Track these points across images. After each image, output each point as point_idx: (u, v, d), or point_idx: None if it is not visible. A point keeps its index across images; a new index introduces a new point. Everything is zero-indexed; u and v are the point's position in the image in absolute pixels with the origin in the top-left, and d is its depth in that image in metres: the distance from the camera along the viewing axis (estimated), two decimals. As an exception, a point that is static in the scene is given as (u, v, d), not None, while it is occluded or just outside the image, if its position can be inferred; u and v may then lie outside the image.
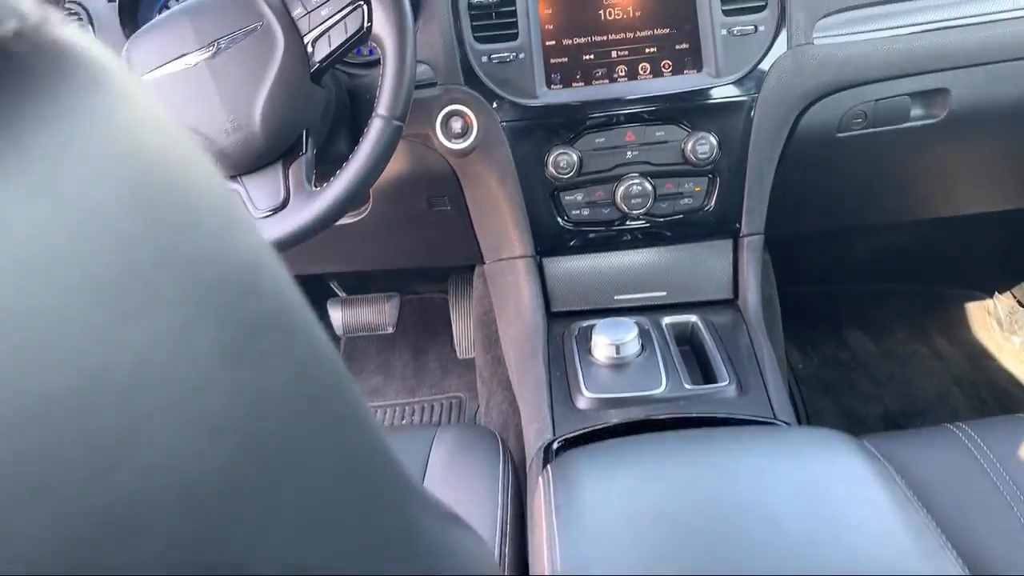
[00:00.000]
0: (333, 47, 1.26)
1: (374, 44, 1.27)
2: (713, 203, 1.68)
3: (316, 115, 1.33)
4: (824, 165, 1.76)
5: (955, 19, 1.52)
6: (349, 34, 1.25)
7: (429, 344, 2.75)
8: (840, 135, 1.67)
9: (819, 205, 1.96)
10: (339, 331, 2.71)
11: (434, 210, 1.83)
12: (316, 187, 1.23)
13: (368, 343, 2.75)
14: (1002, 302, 2.67)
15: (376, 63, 1.59)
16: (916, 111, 1.63)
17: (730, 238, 1.71)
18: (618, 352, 1.39)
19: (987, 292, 2.67)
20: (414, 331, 2.80)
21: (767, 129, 1.67)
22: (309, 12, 1.30)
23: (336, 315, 2.71)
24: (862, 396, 2.45)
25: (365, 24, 1.23)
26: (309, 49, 1.26)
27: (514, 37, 1.76)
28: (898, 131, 1.63)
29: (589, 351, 1.44)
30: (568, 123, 1.63)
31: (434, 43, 1.62)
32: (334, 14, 1.27)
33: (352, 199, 1.20)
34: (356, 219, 1.81)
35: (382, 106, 1.21)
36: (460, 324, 2.69)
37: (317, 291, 2.74)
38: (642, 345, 1.42)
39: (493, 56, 1.76)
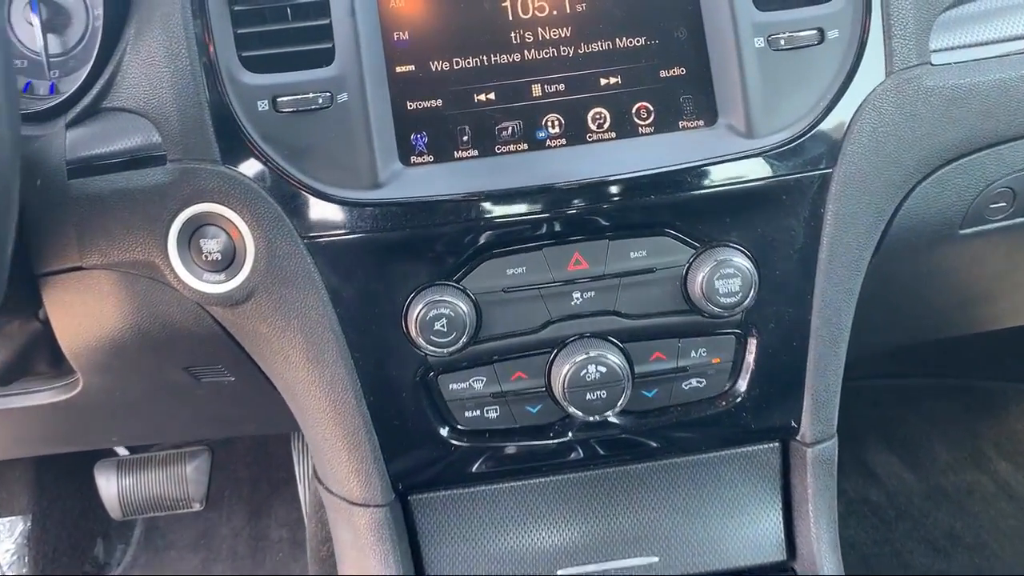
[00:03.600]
0: None
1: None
2: (744, 386, 0.96)
3: None
4: (924, 273, 1.16)
5: None
6: None
7: (268, 504, 2.17)
8: (966, 231, 1.04)
9: (899, 321, 1.34)
10: (115, 512, 1.92)
11: (205, 382, 1.16)
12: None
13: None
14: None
15: None
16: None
17: (775, 442, 1.01)
18: None
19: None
20: (242, 493, 2.20)
21: (850, 234, 0.94)
22: None
23: (108, 487, 1.90)
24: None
25: None
26: None
27: (327, 58, 0.89)
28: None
29: None
30: (450, 239, 0.90)
31: (154, 71, 0.89)
32: None
33: None
34: (64, 396, 1.16)
35: None
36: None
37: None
38: None
39: (283, 99, 0.88)
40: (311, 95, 0.86)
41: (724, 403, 0.95)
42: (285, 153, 0.87)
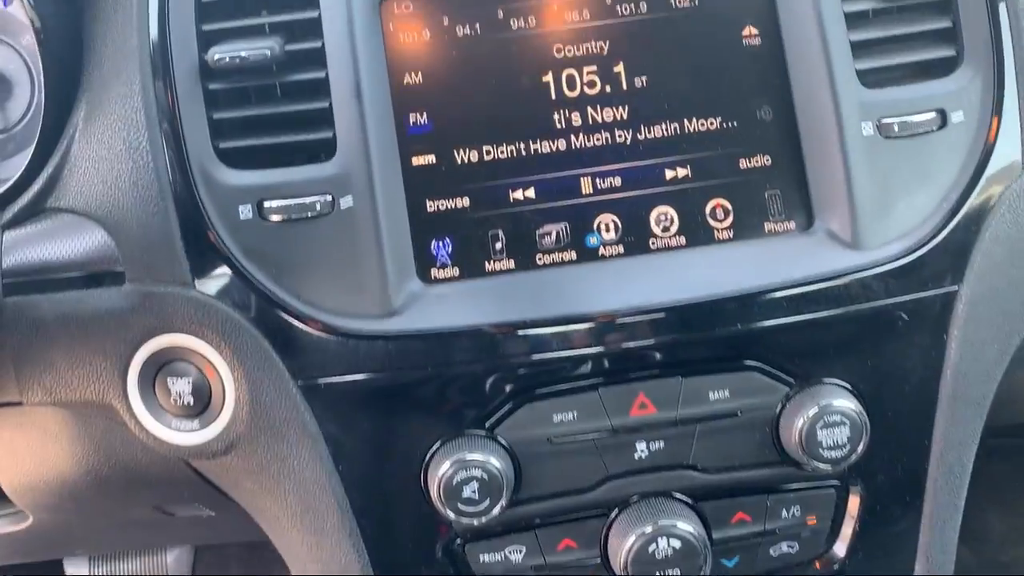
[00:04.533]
0: None
1: None
2: (844, 550, 0.77)
3: None
4: None
5: None
6: None
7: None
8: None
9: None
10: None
11: (179, 517, 0.98)
12: None
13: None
14: None
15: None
16: None
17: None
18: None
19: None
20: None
21: (979, 364, 0.75)
22: None
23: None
24: None
25: None
26: None
27: (327, 151, 0.71)
28: None
29: None
30: (482, 379, 0.71)
31: (109, 166, 0.71)
32: None
33: None
34: (10, 529, 1.00)
35: None
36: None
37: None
38: None
39: (271, 204, 0.69)
40: (307, 199, 0.68)
41: (819, 570, 0.77)
42: (273, 272, 0.68)
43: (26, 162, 0.75)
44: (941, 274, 0.70)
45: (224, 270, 0.68)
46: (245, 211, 0.68)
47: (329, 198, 0.68)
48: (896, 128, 0.69)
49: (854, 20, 0.71)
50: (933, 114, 0.70)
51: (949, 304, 0.71)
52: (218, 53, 0.68)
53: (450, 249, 0.72)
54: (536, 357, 0.69)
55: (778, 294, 0.68)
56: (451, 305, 0.69)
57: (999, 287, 0.72)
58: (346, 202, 0.68)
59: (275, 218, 0.68)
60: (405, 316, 0.68)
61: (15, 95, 0.81)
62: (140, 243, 0.69)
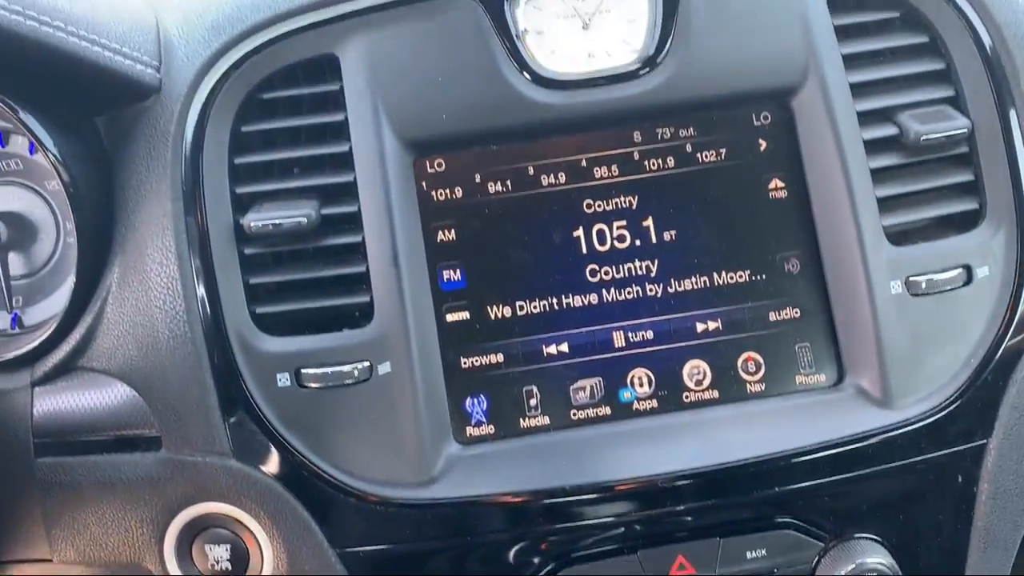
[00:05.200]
0: None
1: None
2: None
3: None
4: None
5: None
6: None
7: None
8: None
9: None
10: None
11: None
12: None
13: None
14: None
15: None
16: None
17: None
18: None
19: None
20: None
21: (1009, 513, 0.75)
22: None
23: None
24: None
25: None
26: None
27: (364, 316, 0.71)
28: None
29: None
30: (521, 545, 0.70)
31: (144, 332, 0.70)
32: None
33: None
34: None
35: None
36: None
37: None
38: None
39: (308, 372, 0.70)
40: (346, 367, 0.68)
41: None
42: (311, 441, 0.68)
43: (54, 313, 0.74)
44: (971, 429, 0.71)
45: (263, 440, 0.68)
46: (283, 379, 0.68)
47: (367, 364, 0.68)
48: (924, 285, 0.70)
49: (879, 175, 0.72)
50: (959, 270, 0.71)
51: (979, 457, 0.72)
52: (254, 221, 0.69)
53: (485, 407, 0.72)
54: (575, 524, 0.69)
55: (812, 456, 0.69)
56: (488, 470, 0.69)
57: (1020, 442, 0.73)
58: (384, 368, 0.68)
59: (313, 385, 0.68)
60: (443, 483, 0.68)
61: (40, 240, 0.81)
62: (177, 411, 0.68)
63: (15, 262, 0.79)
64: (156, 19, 0.76)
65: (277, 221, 0.68)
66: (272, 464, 0.68)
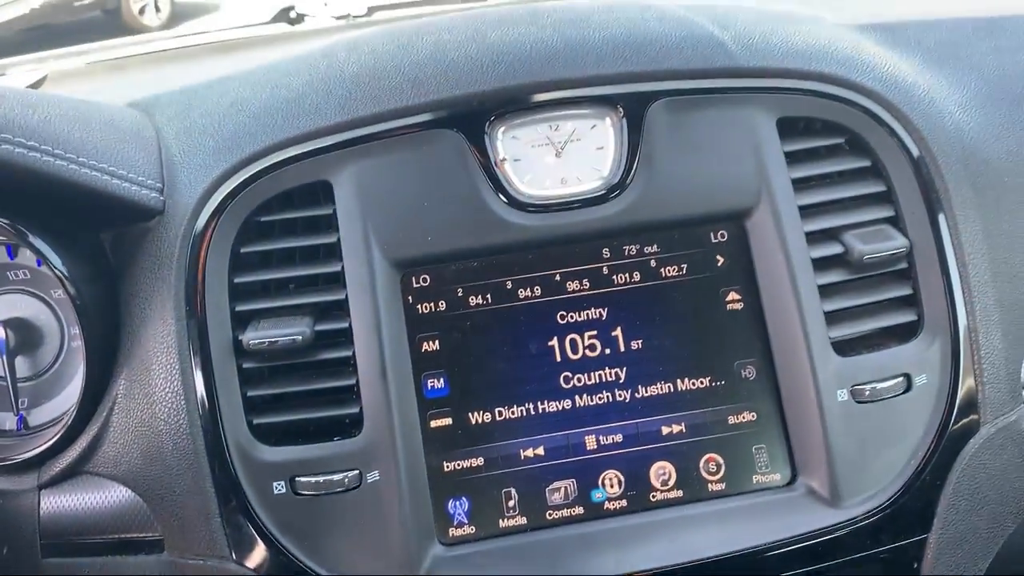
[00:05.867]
0: None
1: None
2: None
3: None
4: None
5: None
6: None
7: None
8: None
9: None
10: None
11: None
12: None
13: None
14: None
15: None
16: None
17: None
18: None
19: None
20: None
21: None
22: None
23: None
24: None
25: None
26: None
27: (353, 426, 0.76)
28: None
29: None
30: None
31: (149, 442, 0.75)
32: None
33: None
34: None
35: None
36: None
37: None
38: None
39: (303, 480, 0.75)
40: (336, 476, 0.73)
41: None
42: (306, 545, 0.73)
43: (58, 415, 0.79)
44: (911, 525, 0.78)
45: (260, 544, 0.73)
46: (279, 487, 0.73)
47: (356, 472, 0.73)
48: (867, 393, 0.77)
49: (826, 290, 0.79)
50: (900, 379, 0.78)
51: (920, 551, 0.78)
52: (253, 339, 0.74)
53: (466, 508, 0.77)
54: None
55: (769, 553, 0.75)
56: (470, 570, 0.74)
57: (963, 532, 0.79)
58: (372, 476, 0.73)
59: (307, 493, 0.73)
60: None
61: (45, 344, 0.85)
62: (179, 516, 0.73)
63: (20, 364, 0.84)
64: (157, 139, 0.82)
65: (274, 339, 0.74)
66: (269, 566, 0.73)
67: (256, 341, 0.74)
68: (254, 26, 1.65)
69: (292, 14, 1.66)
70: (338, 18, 1.64)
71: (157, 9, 7.14)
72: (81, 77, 1.36)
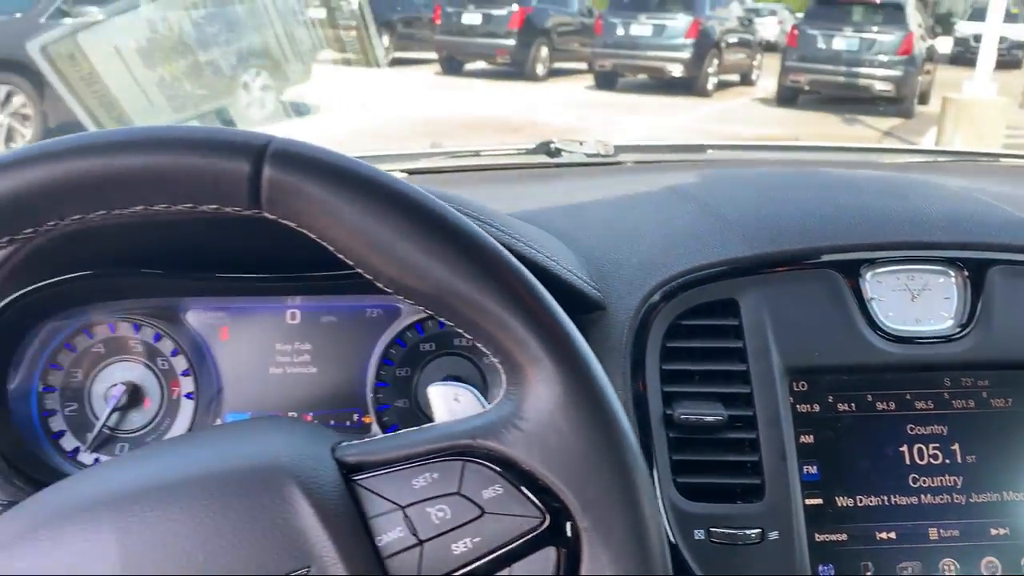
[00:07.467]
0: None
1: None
2: None
3: None
4: None
5: None
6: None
7: None
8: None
9: None
10: None
11: None
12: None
13: None
14: None
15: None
16: None
17: None
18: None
19: None
20: None
21: None
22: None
23: None
24: None
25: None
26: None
27: (754, 492, 0.96)
28: None
29: None
30: None
31: None
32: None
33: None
34: None
35: None
36: None
37: None
38: None
39: (717, 531, 0.95)
40: (744, 531, 0.92)
41: None
42: None
43: None
44: None
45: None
46: (699, 534, 0.92)
47: (759, 531, 0.92)
48: None
49: None
50: None
51: None
52: (683, 414, 0.95)
53: (832, 573, 0.95)
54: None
55: None
56: None
57: None
58: (772, 535, 0.92)
59: (719, 541, 0.92)
60: None
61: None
62: None
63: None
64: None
65: (700, 415, 0.95)
66: None
67: (685, 416, 0.95)
68: (519, 154, 1.94)
69: (552, 147, 1.93)
70: (589, 155, 1.91)
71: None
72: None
